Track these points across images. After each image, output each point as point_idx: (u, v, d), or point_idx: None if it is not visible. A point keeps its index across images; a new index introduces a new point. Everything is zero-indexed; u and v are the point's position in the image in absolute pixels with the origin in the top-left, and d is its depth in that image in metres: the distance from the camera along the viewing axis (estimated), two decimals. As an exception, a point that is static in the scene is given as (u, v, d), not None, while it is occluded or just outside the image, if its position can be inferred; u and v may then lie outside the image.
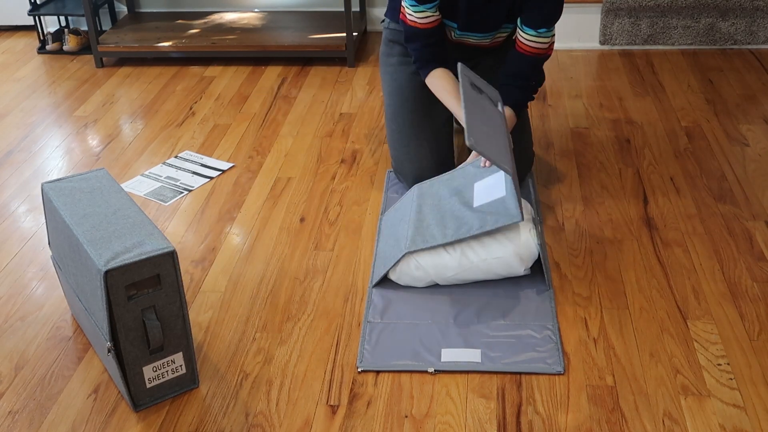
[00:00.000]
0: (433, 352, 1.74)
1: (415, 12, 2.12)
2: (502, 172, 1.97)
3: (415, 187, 2.11)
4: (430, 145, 2.27)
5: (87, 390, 1.69)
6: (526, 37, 2.12)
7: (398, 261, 1.91)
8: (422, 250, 1.89)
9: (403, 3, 2.15)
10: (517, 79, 2.16)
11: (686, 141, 2.60)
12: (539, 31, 2.09)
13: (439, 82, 2.17)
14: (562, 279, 1.97)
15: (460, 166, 2.12)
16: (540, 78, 2.18)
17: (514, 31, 2.29)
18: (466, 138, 1.74)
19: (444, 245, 1.89)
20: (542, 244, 1.87)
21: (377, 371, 1.70)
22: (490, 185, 1.97)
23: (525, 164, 2.29)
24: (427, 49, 2.17)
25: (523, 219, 1.83)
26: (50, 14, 3.58)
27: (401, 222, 2.03)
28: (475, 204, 1.94)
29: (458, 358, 1.72)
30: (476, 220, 1.89)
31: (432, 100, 2.25)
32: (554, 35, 2.13)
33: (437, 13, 2.13)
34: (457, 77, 2.17)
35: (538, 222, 1.90)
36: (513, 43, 2.18)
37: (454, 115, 2.16)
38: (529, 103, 2.21)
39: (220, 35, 3.42)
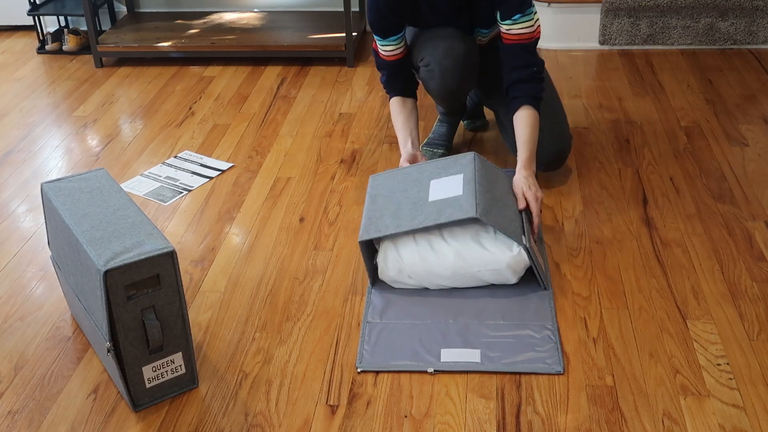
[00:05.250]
0: (432, 352, 1.74)
1: (381, 45, 2.29)
2: (460, 174, 1.98)
3: (371, 178, 2.12)
4: (457, 36, 2.26)
5: (86, 390, 1.69)
6: (506, 28, 2.16)
7: (383, 259, 1.91)
8: (415, 260, 1.88)
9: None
10: (519, 70, 2.18)
11: (686, 141, 2.60)
12: (514, 18, 2.13)
13: (393, 110, 2.34)
14: (561, 279, 1.97)
15: (417, 164, 2.13)
16: (540, 63, 2.21)
17: (497, 34, 2.32)
18: (476, 212, 1.83)
19: (437, 256, 1.88)
20: (541, 249, 1.87)
21: (377, 372, 1.70)
22: (446, 184, 1.97)
23: (558, 152, 2.32)
24: (391, 78, 2.35)
25: (477, 214, 1.83)
26: (50, 14, 3.58)
27: None
28: (431, 199, 1.94)
29: (458, 358, 1.72)
30: (433, 211, 1.89)
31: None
32: (535, 19, 2.15)
33: (401, 47, 2.29)
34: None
35: (534, 247, 1.90)
36: (500, 40, 2.21)
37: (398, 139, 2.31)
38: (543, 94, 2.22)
39: (219, 35, 3.42)
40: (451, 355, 1.73)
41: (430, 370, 1.69)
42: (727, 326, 1.80)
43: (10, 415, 1.63)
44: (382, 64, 2.33)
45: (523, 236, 1.87)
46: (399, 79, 2.34)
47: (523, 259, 1.87)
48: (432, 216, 1.87)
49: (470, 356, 1.72)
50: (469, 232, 1.91)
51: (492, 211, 1.87)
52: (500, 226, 1.85)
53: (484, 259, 1.87)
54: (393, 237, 1.92)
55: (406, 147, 2.25)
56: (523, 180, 2.05)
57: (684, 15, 3.31)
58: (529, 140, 2.14)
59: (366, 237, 1.89)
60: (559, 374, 1.68)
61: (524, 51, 2.17)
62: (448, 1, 2.21)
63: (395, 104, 2.35)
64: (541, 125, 2.25)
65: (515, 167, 2.10)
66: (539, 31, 2.18)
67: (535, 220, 2.00)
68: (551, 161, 2.33)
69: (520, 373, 1.68)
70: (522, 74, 2.17)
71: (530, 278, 1.95)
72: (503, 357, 1.72)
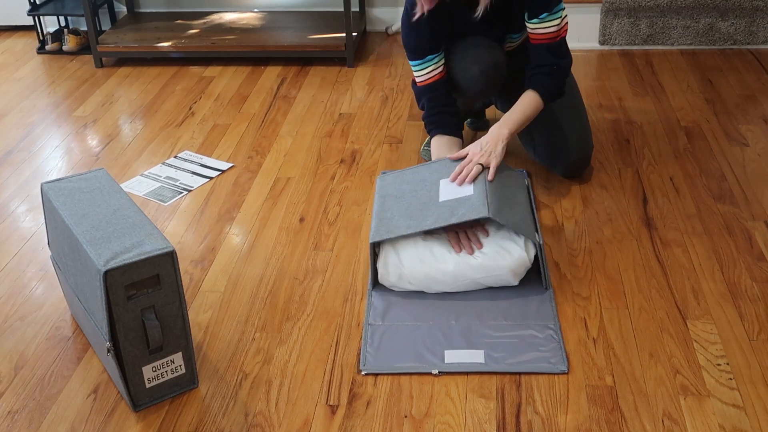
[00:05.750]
0: (436, 353, 1.74)
1: (418, 69, 2.21)
2: None
3: (378, 179, 2.11)
4: (487, 45, 2.23)
5: (86, 390, 1.69)
6: (532, 27, 2.15)
7: (383, 265, 1.90)
8: (416, 266, 1.88)
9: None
10: (541, 67, 2.18)
11: (686, 141, 2.60)
12: (541, 17, 2.12)
13: (434, 151, 2.22)
14: (561, 279, 1.97)
15: (426, 163, 2.13)
16: (564, 63, 2.19)
17: (525, 39, 2.32)
18: (488, 211, 1.83)
19: (438, 262, 1.87)
20: (541, 246, 1.87)
21: (380, 373, 1.70)
22: (456, 184, 1.97)
23: (582, 157, 2.32)
24: (431, 106, 2.23)
25: (490, 214, 1.83)
26: (50, 14, 3.58)
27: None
28: (441, 199, 1.94)
29: (462, 359, 1.72)
30: (444, 211, 1.89)
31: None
32: (563, 17, 2.14)
33: (441, 66, 2.20)
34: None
35: (538, 244, 1.90)
36: (527, 40, 2.21)
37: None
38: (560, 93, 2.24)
39: (219, 35, 3.42)
40: (455, 357, 1.73)
41: (435, 371, 1.69)
42: (727, 326, 1.80)
43: (10, 415, 1.63)
44: (420, 92, 2.24)
45: (536, 234, 1.87)
46: (440, 108, 2.22)
47: (524, 262, 1.87)
48: (444, 216, 1.87)
49: (474, 357, 1.72)
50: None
51: (504, 210, 1.88)
52: (513, 224, 1.86)
53: (486, 265, 1.86)
54: (394, 242, 1.91)
55: None
56: (484, 143, 2.06)
57: (684, 15, 3.31)
58: (513, 118, 2.12)
59: (377, 238, 1.89)
60: (563, 373, 1.67)
61: (549, 52, 2.16)
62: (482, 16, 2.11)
63: (436, 144, 2.22)
64: (565, 130, 2.27)
65: (520, 166, 2.10)
66: (566, 29, 2.16)
67: (459, 180, 1.98)
68: (574, 166, 2.33)
69: (521, 373, 1.68)
70: (540, 70, 2.17)
71: (530, 278, 1.95)
72: (507, 357, 1.72)
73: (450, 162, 2.07)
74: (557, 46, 2.17)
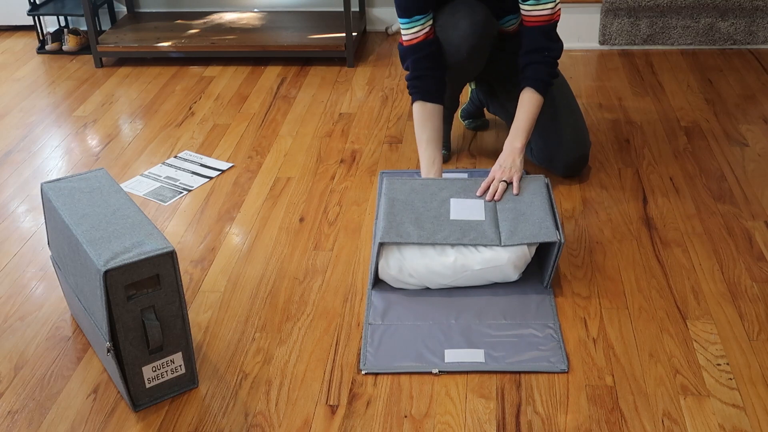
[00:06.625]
0: (436, 353, 1.74)
1: (405, 29, 2.19)
2: (481, 200, 2.00)
3: (386, 179, 2.10)
4: (478, 6, 2.22)
5: (86, 390, 1.69)
6: (527, 9, 2.15)
7: (384, 258, 1.90)
8: (416, 257, 1.88)
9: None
10: (534, 54, 2.18)
11: (686, 141, 2.60)
12: None
13: (416, 121, 2.21)
14: (561, 279, 1.97)
15: (435, 178, 2.13)
16: (556, 48, 2.20)
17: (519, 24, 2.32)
18: (500, 241, 1.87)
19: (440, 255, 1.88)
20: (561, 244, 1.86)
21: (380, 373, 1.70)
22: (467, 206, 1.97)
23: (580, 156, 2.32)
24: (416, 68, 2.20)
25: (501, 244, 1.85)
26: (49, 14, 3.58)
27: (378, 218, 2.03)
28: (452, 217, 1.94)
29: (462, 358, 1.72)
30: (456, 230, 1.89)
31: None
32: (557, 1, 2.15)
33: (428, 26, 2.18)
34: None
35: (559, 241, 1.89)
36: (520, 23, 2.21)
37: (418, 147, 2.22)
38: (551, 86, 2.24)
39: (219, 35, 3.42)
40: (455, 356, 1.73)
41: (435, 371, 1.69)
42: (727, 326, 1.80)
43: (10, 415, 1.63)
44: (405, 51, 2.21)
45: (557, 231, 1.86)
46: (424, 70, 2.19)
47: (524, 255, 1.87)
48: (455, 235, 1.88)
49: (474, 356, 1.72)
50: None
51: (518, 228, 1.88)
52: (529, 237, 1.86)
53: (486, 257, 1.87)
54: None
55: (429, 175, 2.17)
56: (502, 160, 2.09)
57: (684, 15, 3.31)
58: (521, 127, 2.14)
59: (388, 240, 1.88)
60: (563, 372, 1.68)
61: (542, 35, 2.16)
62: None
63: (418, 112, 2.20)
64: (561, 130, 2.26)
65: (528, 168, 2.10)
66: (559, 14, 2.17)
67: (489, 196, 2.01)
68: (573, 165, 2.33)
69: (521, 373, 1.68)
70: (534, 57, 2.18)
71: (530, 277, 1.95)
72: (507, 356, 1.72)
73: (461, 182, 2.07)
74: (550, 29, 2.18)
